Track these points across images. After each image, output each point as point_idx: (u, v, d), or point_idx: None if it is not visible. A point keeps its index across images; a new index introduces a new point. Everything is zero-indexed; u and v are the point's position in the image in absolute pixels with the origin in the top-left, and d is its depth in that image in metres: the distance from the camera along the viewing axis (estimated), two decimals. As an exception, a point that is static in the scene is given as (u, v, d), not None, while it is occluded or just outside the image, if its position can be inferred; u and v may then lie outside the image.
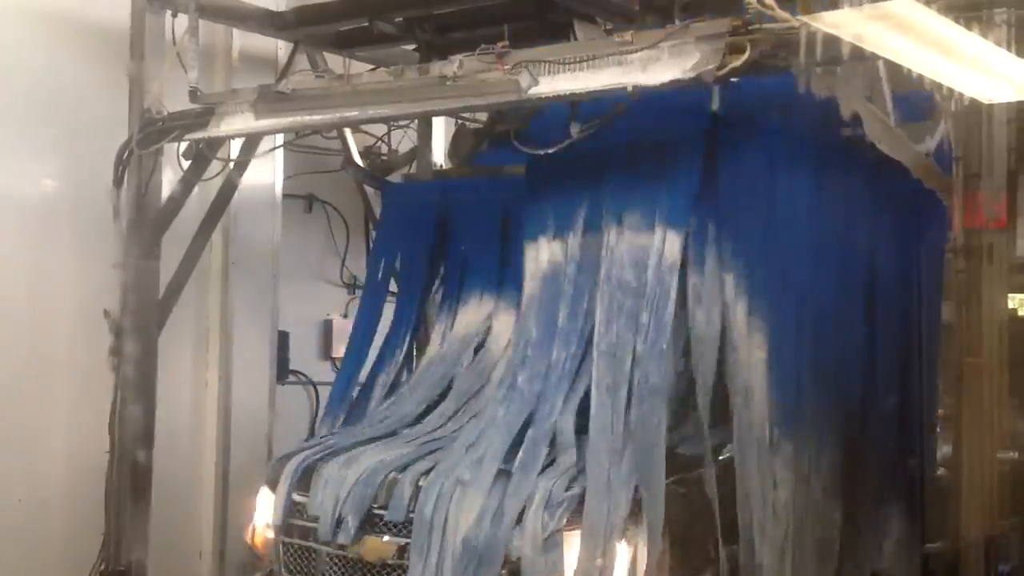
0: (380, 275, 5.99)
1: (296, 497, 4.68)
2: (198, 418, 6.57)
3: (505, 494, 4.20)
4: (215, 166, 5.83)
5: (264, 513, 4.82)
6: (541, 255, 4.96)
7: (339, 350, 7.15)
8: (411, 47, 5.95)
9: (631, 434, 4.23)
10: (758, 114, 4.44)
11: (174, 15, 5.50)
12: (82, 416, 5.79)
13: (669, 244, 4.45)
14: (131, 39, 5.62)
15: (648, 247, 4.49)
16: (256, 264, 6.80)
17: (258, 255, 6.82)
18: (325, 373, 7.40)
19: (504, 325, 5.29)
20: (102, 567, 5.52)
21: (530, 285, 4.96)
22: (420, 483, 4.32)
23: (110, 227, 5.60)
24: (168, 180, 5.77)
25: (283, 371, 7.15)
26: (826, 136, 4.49)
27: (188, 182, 5.74)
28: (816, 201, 4.58)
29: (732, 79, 3.94)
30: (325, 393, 7.32)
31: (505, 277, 5.41)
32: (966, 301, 3.84)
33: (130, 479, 5.53)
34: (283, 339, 7.11)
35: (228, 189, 6.06)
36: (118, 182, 5.57)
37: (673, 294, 4.39)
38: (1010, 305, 4.26)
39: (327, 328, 7.50)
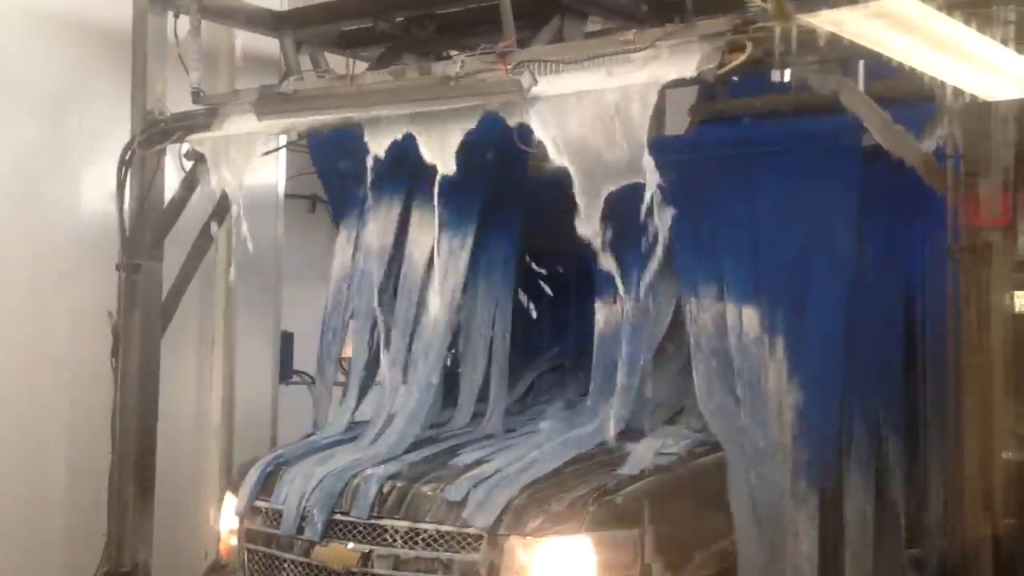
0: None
1: (258, 503, 4.57)
2: (202, 419, 6.58)
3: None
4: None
5: (228, 519, 4.73)
6: (598, 316, 5.00)
7: (343, 351, 7.15)
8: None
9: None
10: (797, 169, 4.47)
11: (176, 16, 5.49)
12: (85, 417, 5.79)
13: (747, 319, 4.51)
14: (133, 40, 5.62)
15: (726, 316, 4.56)
16: (259, 265, 6.80)
17: (261, 256, 6.80)
18: (330, 374, 7.40)
19: (420, 233, 5.20)
20: (105, 569, 5.53)
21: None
22: (385, 488, 4.22)
23: (113, 228, 5.62)
24: (171, 181, 5.78)
25: (287, 371, 7.15)
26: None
27: (191, 183, 5.73)
28: (853, 248, 4.57)
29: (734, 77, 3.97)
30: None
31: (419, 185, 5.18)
32: (969, 299, 3.82)
33: (133, 480, 5.54)
34: (287, 339, 7.11)
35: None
36: (121, 183, 5.58)
37: (763, 365, 4.45)
38: (1015, 303, 4.23)
39: (331, 328, 7.47)
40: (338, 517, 4.24)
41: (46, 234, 5.80)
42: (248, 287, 6.71)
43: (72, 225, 5.89)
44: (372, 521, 4.16)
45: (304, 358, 7.28)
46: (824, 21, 3.32)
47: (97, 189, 5.85)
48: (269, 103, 4.75)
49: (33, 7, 5.72)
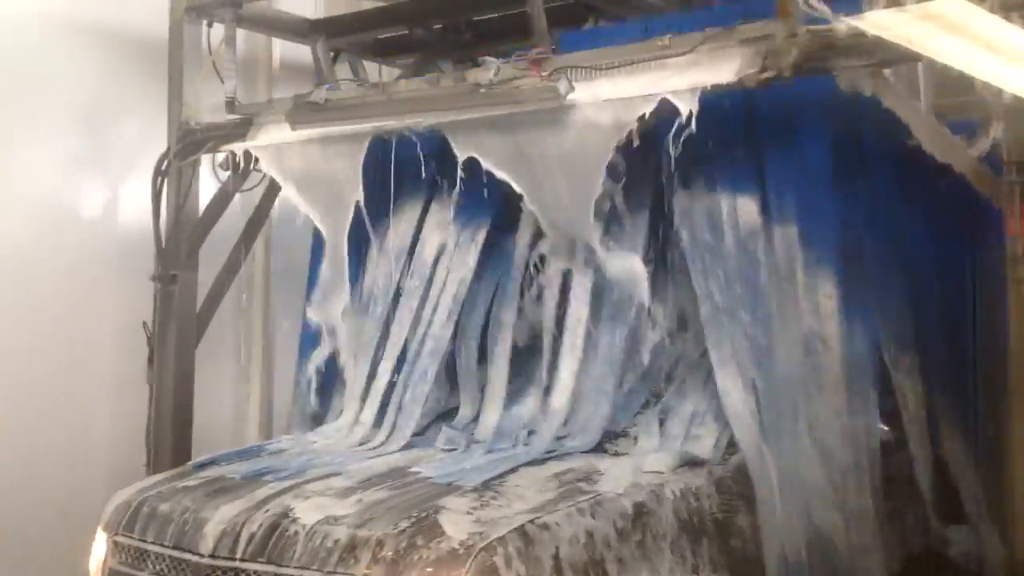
0: None
1: (120, 539, 4.07)
2: (240, 429, 6.58)
3: None
4: (254, 176, 5.79)
5: (96, 556, 4.22)
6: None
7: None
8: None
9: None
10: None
11: (210, 25, 5.47)
12: (122, 427, 5.78)
13: (743, 208, 4.30)
14: (169, 50, 5.60)
15: (720, 210, 4.32)
16: (298, 273, 6.75)
17: (299, 264, 6.77)
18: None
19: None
20: (142, 580, 5.50)
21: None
22: (248, 527, 3.70)
23: (149, 238, 5.59)
24: (207, 191, 5.76)
25: (325, 382, 7.10)
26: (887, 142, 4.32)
27: (227, 193, 5.70)
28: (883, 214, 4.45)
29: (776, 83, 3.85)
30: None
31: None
32: (1017, 312, 3.67)
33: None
34: (326, 349, 7.06)
35: (268, 199, 6.01)
36: (156, 193, 5.56)
37: (762, 259, 4.23)
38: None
39: (370, 337, 7.43)
40: (195, 559, 3.74)
41: (82, 244, 5.81)
42: (286, 296, 6.68)
43: (109, 235, 5.90)
44: (235, 564, 3.65)
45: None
46: (870, 24, 3.20)
47: (133, 199, 5.84)
48: (302, 112, 4.70)
49: (69, 17, 5.72)
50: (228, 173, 5.63)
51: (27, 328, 5.54)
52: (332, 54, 6.02)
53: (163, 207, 5.58)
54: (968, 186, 3.80)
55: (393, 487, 3.88)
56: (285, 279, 6.67)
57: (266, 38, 6.51)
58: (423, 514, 3.54)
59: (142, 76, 5.88)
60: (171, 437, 5.53)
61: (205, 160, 5.62)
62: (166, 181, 5.56)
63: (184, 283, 5.59)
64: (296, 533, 3.59)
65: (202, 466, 4.47)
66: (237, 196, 5.79)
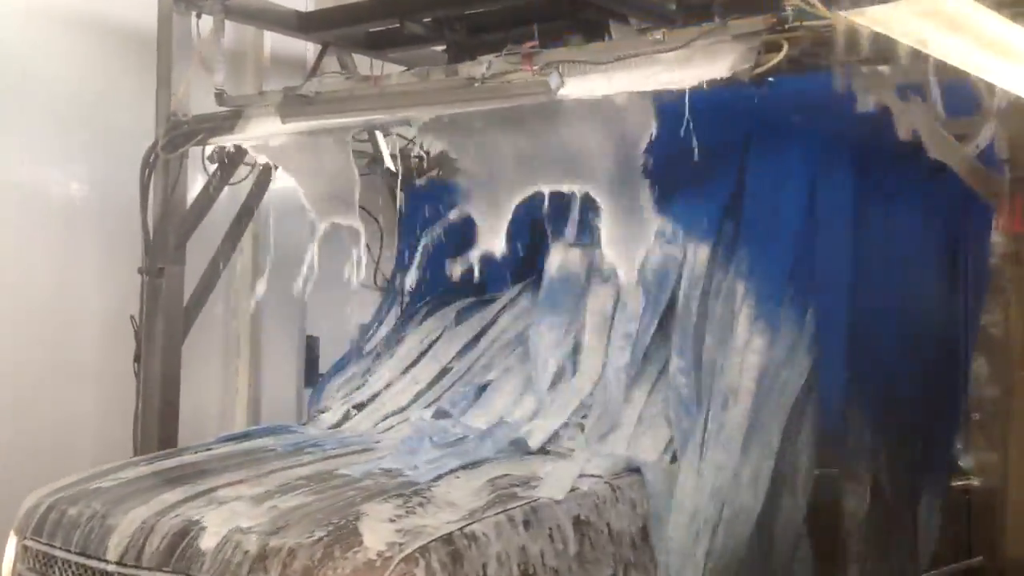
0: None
1: (29, 543, 3.92)
2: (227, 423, 6.51)
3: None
4: (243, 169, 5.74)
5: (7, 561, 4.06)
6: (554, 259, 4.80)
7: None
8: (441, 48, 5.83)
9: None
10: (795, 116, 4.28)
11: (199, 16, 5.41)
12: (109, 421, 5.73)
13: (696, 255, 4.37)
14: (158, 41, 5.54)
15: (678, 257, 4.39)
16: (286, 268, 6.71)
17: (288, 259, 6.72)
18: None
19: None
20: None
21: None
22: (147, 537, 3.54)
23: (136, 231, 5.54)
24: (196, 184, 5.70)
25: (312, 376, 7.07)
26: (867, 139, 4.31)
27: (215, 186, 5.65)
28: (853, 214, 4.42)
29: (769, 79, 3.81)
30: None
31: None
32: (1015, 311, 3.65)
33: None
34: (313, 344, 7.03)
35: (257, 192, 5.97)
36: (144, 186, 5.50)
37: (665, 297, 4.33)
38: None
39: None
40: (102, 567, 3.60)
41: (69, 237, 5.76)
42: (275, 291, 6.62)
43: (95, 228, 5.83)
44: (142, 574, 3.51)
45: (330, 362, 7.22)
46: (870, 20, 3.17)
47: (121, 192, 5.78)
48: (292, 105, 4.65)
49: (55, 6, 5.67)
50: (216, 166, 5.62)
51: (11, 321, 5.48)
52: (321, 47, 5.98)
53: (151, 199, 5.51)
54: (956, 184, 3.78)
55: (314, 491, 3.67)
56: (273, 273, 6.61)
57: (256, 30, 6.45)
58: (342, 521, 3.34)
59: (129, 67, 5.81)
60: (158, 431, 5.49)
61: (194, 152, 5.58)
62: (154, 173, 5.50)
63: (172, 276, 5.53)
64: (205, 542, 3.42)
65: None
66: (226, 189, 5.75)
